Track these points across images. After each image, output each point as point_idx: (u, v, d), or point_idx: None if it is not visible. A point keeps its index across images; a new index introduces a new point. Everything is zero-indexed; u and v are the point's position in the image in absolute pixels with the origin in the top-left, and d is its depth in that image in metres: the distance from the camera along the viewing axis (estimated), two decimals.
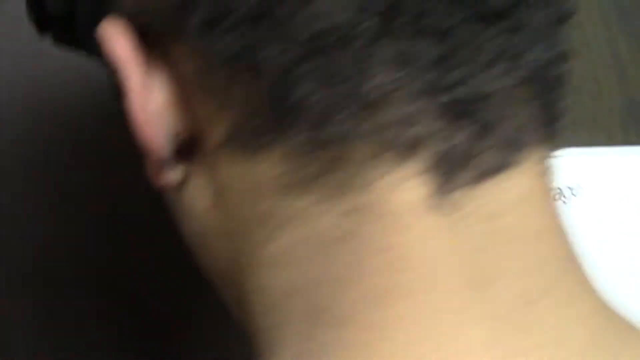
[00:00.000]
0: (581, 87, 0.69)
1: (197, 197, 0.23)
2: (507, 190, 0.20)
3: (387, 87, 0.19)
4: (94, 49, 0.22)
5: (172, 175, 0.23)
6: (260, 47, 0.19)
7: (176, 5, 0.20)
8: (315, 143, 0.19)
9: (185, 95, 0.22)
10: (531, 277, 0.19)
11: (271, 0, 0.19)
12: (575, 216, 0.67)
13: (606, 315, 0.21)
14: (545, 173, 0.21)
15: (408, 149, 0.19)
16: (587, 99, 0.70)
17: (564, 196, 0.68)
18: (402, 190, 0.19)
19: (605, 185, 0.68)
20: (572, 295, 0.20)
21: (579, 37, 0.69)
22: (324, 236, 0.19)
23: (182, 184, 0.23)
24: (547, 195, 0.21)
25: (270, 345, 0.20)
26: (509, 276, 0.19)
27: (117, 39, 0.21)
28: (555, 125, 0.22)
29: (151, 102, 0.22)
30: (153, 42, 0.22)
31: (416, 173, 0.19)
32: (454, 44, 0.19)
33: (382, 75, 0.19)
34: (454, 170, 0.19)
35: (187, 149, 0.23)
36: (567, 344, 0.19)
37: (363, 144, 0.19)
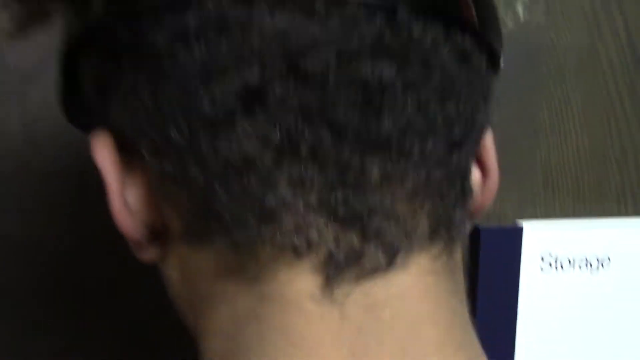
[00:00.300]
0: (608, 157, 0.69)
1: (171, 271, 0.29)
2: (387, 286, 0.24)
3: (285, 202, 0.23)
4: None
5: (149, 253, 0.29)
6: (188, 169, 0.24)
7: (131, 135, 0.26)
8: (230, 245, 0.24)
9: (152, 197, 0.27)
10: (404, 357, 0.23)
11: (196, 133, 0.24)
12: (604, 288, 0.66)
13: None
14: (436, 270, 0.25)
15: (302, 251, 0.23)
16: (614, 170, 0.69)
17: (592, 267, 0.66)
18: (298, 282, 0.23)
19: (634, 257, 0.67)
20: None
21: (604, 107, 0.70)
22: (241, 316, 0.24)
23: (162, 258, 0.29)
24: (431, 288, 0.24)
25: None
26: (384, 355, 0.23)
27: (101, 150, 0.27)
28: (448, 231, 0.25)
29: (126, 200, 0.27)
30: (128, 152, 0.28)
31: (309, 270, 0.23)
32: (341, 169, 0.23)
33: (280, 193, 0.23)
34: (340, 269, 0.23)
35: (159, 235, 0.28)
36: None
37: (266, 246, 0.24)
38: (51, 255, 0.54)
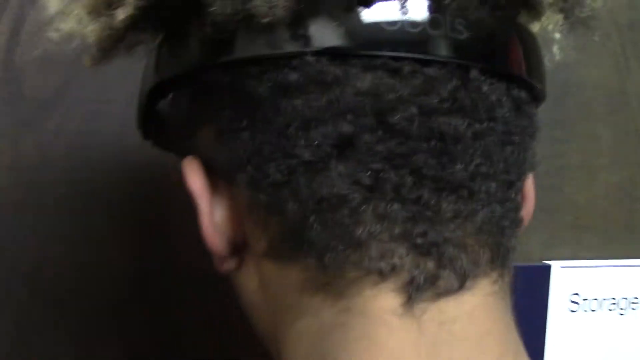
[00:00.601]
0: (637, 196, 0.69)
1: (248, 280, 0.32)
2: (459, 305, 0.27)
3: (371, 233, 0.27)
4: (179, 155, 0.33)
5: (228, 265, 0.32)
6: (286, 202, 0.28)
7: (227, 167, 0.30)
8: (319, 266, 0.28)
9: (239, 217, 0.31)
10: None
11: (294, 172, 0.27)
12: (633, 329, 0.65)
13: None
14: (495, 292, 0.29)
15: (386, 273, 0.27)
16: None
17: (621, 308, 0.66)
18: (382, 299, 0.27)
19: None
20: None
21: (633, 145, 0.69)
22: (326, 325, 0.28)
23: (238, 268, 0.32)
24: (493, 308, 0.28)
25: None
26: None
27: (192, 175, 0.31)
28: (504, 259, 0.29)
29: (214, 220, 0.31)
30: (217, 178, 0.31)
31: (392, 289, 0.27)
32: (420, 207, 0.27)
33: (368, 225, 0.27)
34: (420, 290, 0.27)
35: (240, 249, 0.32)
36: None
37: (354, 269, 0.27)
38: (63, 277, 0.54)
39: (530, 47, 0.31)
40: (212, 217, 0.31)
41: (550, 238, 0.69)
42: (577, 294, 0.66)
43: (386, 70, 0.27)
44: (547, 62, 0.34)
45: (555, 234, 0.69)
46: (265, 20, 0.26)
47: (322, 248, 0.28)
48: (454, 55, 0.28)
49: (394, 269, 0.27)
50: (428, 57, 0.27)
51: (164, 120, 0.34)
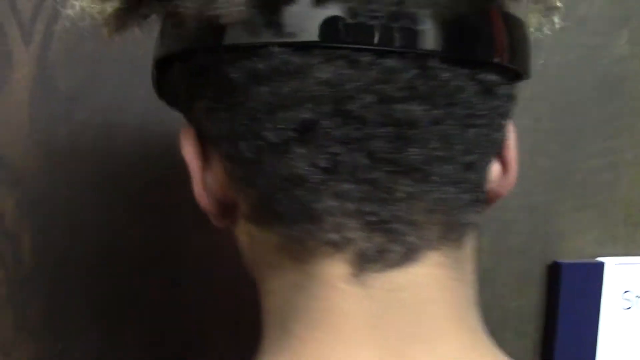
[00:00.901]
0: None
1: (241, 236, 0.35)
2: (406, 275, 0.30)
3: (327, 209, 0.30)
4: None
5: (222, 222, 0.36)
6: (257, 177, 0.31)
7: (211, 140, 0.33)
8: (286, 235, 0.31)
9: (226, 184, 0.34)
10: (415, 328, 0.30)
11: (262, 152, 0.30)
12: None
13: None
14: (444, 264, 0.31)
15: (339, 246, 0.30)
16: None
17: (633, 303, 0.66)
18: (336, 268, 0.30)
19: None
20: (444, 342, 0.30)
21: None
22: (291, 284, 0.32)
23: (234, 225, 0.36)
24: (441, 278, 0.31)
25: (268, 333, 0.34)
26: (400, 326, 0.30)
27: (186, 143, 0.34)
28: (459, 234, 0.32)
29: (207, 183, 0.34)
30: (208, 147, 0.34)
31: (344, 260, 0.30)
32: (373, 188, 0.29)
33: (325, 203, 0.30)
34: (369, 261, 0.30)
35: (231, 209, 0.35)
36: None
37: (313, 239, 0.30)
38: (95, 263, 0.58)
39: (506, 30, 0.31)
40: (203, 180, 0.34)
41: (603, 235, 0.68)
42: (630, 291, 0.66)
43: (346, 61, 0.28)
44: (549, 31, 0.36)
45: (608, 231, 0.69)
46: (226, 21, 0.29)
47: (288, 220, 0.31)
48: (412, 46, 0.29)
49: (346, 241, 0.30)
50: (385, 49, 0.28)
51: (172, 89, 0.36)
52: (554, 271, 0.66)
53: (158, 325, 0.59)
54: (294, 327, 0.31)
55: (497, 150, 0.34)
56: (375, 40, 0.28)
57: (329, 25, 0.28)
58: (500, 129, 0.33)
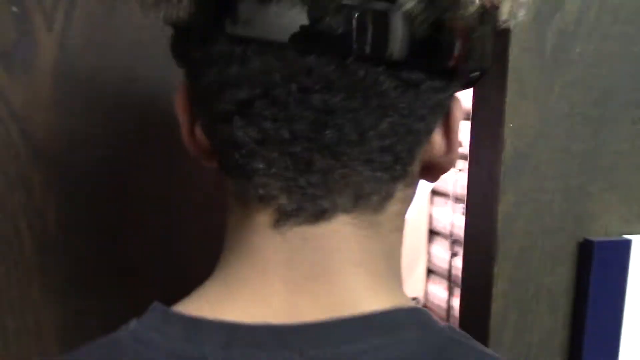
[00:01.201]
0: None
1: (223, 179, 0.41)
2: (318, 229, 0.37)
3: (258, 171, 0.36)
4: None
5: (209, 164, 0.42)
6: (214, 138, 0.39)
7: (193, 101, 0.40)
8: (234, 187, 0.39)
9: (204, 135, 0.40)
10: (320, 269, 0.37)
11: (214, 120, 0.37)
12: None
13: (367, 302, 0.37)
14: (353, 223, 0.38)
15: (265, 200, 0.37)
16: None
17: None
18: (261, 217, 0.37)
19: None
20: (344, 281, 0.37)
21: None
22: (236, 223, 0.39)
23: (218, 169, 0.41)
24: (349, 234, 0.38)
25: (220, 259, 0.40)
26: (307, 266, 0.37)
27: (178, 97, 0.40)
28: (365, 203, 0.38)
29: (195, 132, 0.41)
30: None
31: (268, 212, 0.37)
32: (295, 159, 0.36)
33: (256, 166, 0.36)
34: (288, 216, 0.37)
35: (212, 155, 0.41)
36: (330, 303, 0.37)
37: (247, 192, 0.37)
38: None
39: (430, 30, 0.34)
40: (189, 130, 0.41)
41: (629, 213, 0.72)
42: None
43: (274, 55, 0.34)
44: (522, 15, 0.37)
45: (635, 210, 0.72)
46: (171, 23, 0.36)
47: (233, 175, 0.38)
48: (330, 47, 0.33)
49: (271, 197, 0.37)
50: (307, 48, 0.33)
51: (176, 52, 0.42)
52: (586, 248, 0.70)
53: (178, 284, 0.64)
54: (230, 258, 0.39)
55: (422, 137, 0.39)
56: (300, 40, 0.33)
57: (265, 23, 0.33)
58: (425, 119, 0.37)
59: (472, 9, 0.34)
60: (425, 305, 4.34)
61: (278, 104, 0.35)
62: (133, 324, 0.37)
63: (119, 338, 0.37)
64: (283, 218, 0.37)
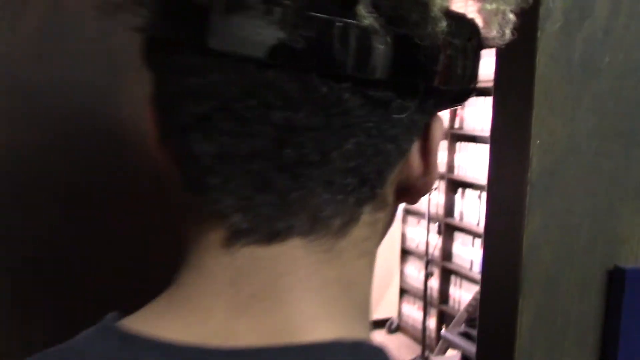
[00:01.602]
0: None
1: (182, 193, 0.40)
2: (268, 251, 0.36)
3: (213, 187, 0.35)
4: None
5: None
6: (171, 150, 0.38)
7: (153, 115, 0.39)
8: (188, 207, 0.38)
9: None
10: (265, 292, 0.36)
11: (172, 131, 0.37)
12: None
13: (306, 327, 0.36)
14: (306, 246, 0.36)
15: (218, 217, 0.36)
16: None
17: None
18: (214, 233, 0.36)
19: None
20: (288, 306, 0.36)
21: None
22: (189, 238, 0.38)
23: None
24: (300, 257, 0.36)
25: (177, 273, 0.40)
26: (253, 288, 0.36)
27: (147, 111, 0.39)
28: (323, 228, 0.36)
29: (154, 141, 0.40)
30: None
31: (220, 228, 0.36)
32: (252, 177, 0.35)
33: (212, 181, 0.35)
34: (240, 235, 0.36)
35: None
36: (269, 326, 0.35)
37: (201, 207, 0.37)
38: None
39: (401, 48, 0.34)
40: (157, 138, 0.40)
41: None
42: None
43: (234, 68, 0.33)
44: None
45: None
46: (135, 30, 0.36)
47: (189, 190, 0.37)
48: (293, 62, 0.33)
49: (224, 215, 0.36)
50: (269, 62, 0.33)
51: None
52: (616, 276, 0.64)
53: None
54: (181, 274, 0.38)
55: (393, 159, 0.37)
56: (261, 54, 0.33)
57: (226, 35, 0.33)
58: (396, 139, 0.36)
59: (441, 25, 0.33)
60: (399, 326, 4.32)
61: (237, 118, 0.34)
62: (81, 334, 0.38)
63: (62, 348, 0.38)
64: (234, 237, 0.36)
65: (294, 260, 0.36)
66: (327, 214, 0.36)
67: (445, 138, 3.65)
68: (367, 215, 0.38)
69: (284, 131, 0.34)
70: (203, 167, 0.35)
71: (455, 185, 3.75)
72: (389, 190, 0.39)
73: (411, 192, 0.40)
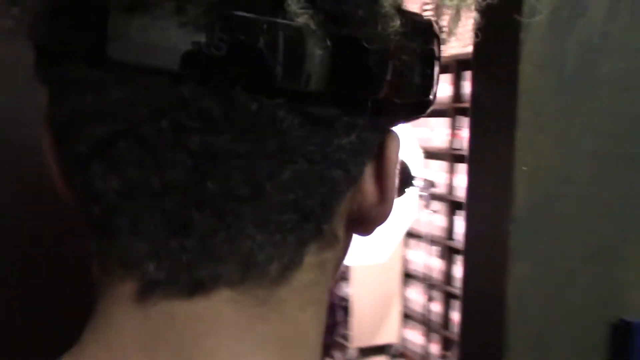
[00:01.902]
0: None
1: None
2: (189, 305, 0.31)
3: (120, 231, 0.31)
4: None
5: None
6: (68, 185, 0.33)
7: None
8: (95, 253, 0.33)
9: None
10: (186, 354, 0.32)
11: (70, 163, 0.32)
12: None
13: None
14: (236, 300, 0.32)
15: (129, 266, 0.32)
16: None
17: None
18: (123, 286, 0.32)
19: None
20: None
21: None
22: (98, 291, 0.34)
23: None
24: (228, 313, 0.32)
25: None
26: (171, 349, 0.32)
27: (43, 131, 0.34)
28: (256, 277, 0.32)
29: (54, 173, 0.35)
30: None
31: (132, 280, 0.31)
32: (167, 216, 0.31)
33: (118, 223, 0.31)
34: (154, 287, 0.31)
35: None
36: None
37: (109, 255, 0.32)
38: None
39: (343, 56, 0.30)
40: (54, 170, 0.35)
41: None
42: None
43: (140, 83, 0.29)
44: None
45: None
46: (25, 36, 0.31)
47: (90, 232, 0.33)
48: (213, 73, 0.29)
49: (135, 264, 0.31)
50: (183, 75, 0.29)
51: None
52: (622, 331, 0.56)
53: None
54: (90, 330, 0.34)
55: (342, 188, 0.33)
56: (172, 64, 0.29)
57: (129, 41, 0.29)
58: (344, 164, 0.32)
59: (393, 24, 0.29)
60: (402, 353, 4.26)
61: (146, 145, 0.30)
62: None
63: None
64: (148, 289, 0.32)
65: (221, 317, 0.32)
66: (261, 258, 0.32)
67: (445, 159, 3.63)
68: (311, 256, 0.33)
69: (203, 159, 0.30)
70: (108, 207, 0.32)
71: (455, 206, 3.72)
72: (337, 224, 0.34)
73: (365, 223, 0.36)
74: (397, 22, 0.30)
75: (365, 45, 0.30)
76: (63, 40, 0.31)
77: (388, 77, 0.31)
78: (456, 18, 0.33)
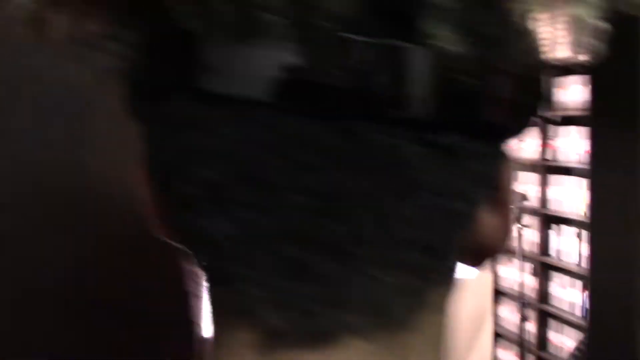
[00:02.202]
0: None
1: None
2: (319, 357, 0.29)
3: (238, 277, 0.29)
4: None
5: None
6: (177, 230, 0.32)
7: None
8: (211, 298, 0.32)
9: None
10: None
11: (177, 207, 0.30)
12: None
13: None
14: (366, 349, 0.29)
15: (249, 316, 0.30)
16: None
17: None
18: (244, 336, 0.30)
19: None
20: None
21: None
22: (215, 335, 0.32)
23: None
24: None
25: None
26: None
27: (140, 168, 0.32)
28: (388, 323, 0.30)
29: (153, 214, 0.34)
30: None
31: (253, 330, 0.30)
32: (288, 263, 0.29)
33: (235, 269, 0.29)
34: (278, 337, 0.29)
35: None
36: None
37: (227, 303, 0.31)
38: None
39: (481, 79, 0.28)
40: (158, 210, 0.35)
41: None
42: None
43: (253, 118, 0.27)
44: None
45: None
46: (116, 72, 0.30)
47: (205, 275, 0.31)
48: (331, 104, 0.26)
49: (256, 313, 0.29)
50: (299, 107, 0.26)
51: None
52: None
53: None
54: None
55: (463, 220, 0.31)
56: (288, 96, 0.26)
57: (239, 73, 0.27)
58: (467, 195, 0.30)
59: (523, 42, 0.28)
60: None
61: (260, 186, 0.28)
62: None
63: None
64: (269, 339, 0.30)
65: None
66: (388, 302, 0.30)
67: (536, 170, 3.50)
68: (434, 295, 0.31)
69: (323, 200, 0.28)
70: (219, 252, 0.30)
71: (549, 220, 3.57)
72: (453, 259, 0.32)
73: (480, 255, 0.34)
74: (530, 42, 0.28)
75: (492, 67, 0.28)
76: (165, 74, 0.29)
77: (510, 101, 0.29)
78: (579, 30, 0.30)
